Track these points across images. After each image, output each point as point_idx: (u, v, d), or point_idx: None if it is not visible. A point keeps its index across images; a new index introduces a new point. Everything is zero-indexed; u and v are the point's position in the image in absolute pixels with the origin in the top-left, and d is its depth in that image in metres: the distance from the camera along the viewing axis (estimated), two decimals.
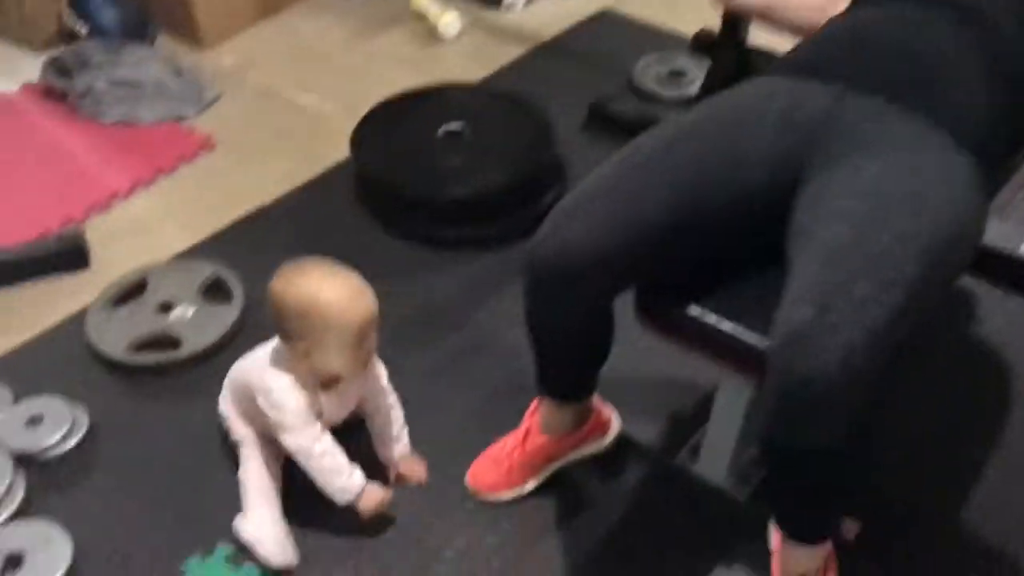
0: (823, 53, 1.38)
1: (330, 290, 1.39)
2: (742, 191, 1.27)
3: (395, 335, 1.93)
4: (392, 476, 1.62)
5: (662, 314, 1.36)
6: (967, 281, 1.86)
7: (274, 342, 1.51)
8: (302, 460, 1.48)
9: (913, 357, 1.50)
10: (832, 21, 1.45)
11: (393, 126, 2.31)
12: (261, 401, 1.46)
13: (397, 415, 1.62)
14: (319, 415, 1.49)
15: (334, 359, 1.42)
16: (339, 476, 1.48)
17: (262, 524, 1.52)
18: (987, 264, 1.40)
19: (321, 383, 1.48)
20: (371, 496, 1.51)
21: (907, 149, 1.23)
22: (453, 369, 1.87)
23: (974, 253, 1.27)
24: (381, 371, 1.61)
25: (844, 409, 1.09)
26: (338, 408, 1.54)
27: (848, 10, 1.46)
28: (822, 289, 1.08)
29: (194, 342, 1.88)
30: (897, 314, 1.08)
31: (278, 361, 1.47)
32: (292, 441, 1.46)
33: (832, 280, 1.08)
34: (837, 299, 1.06)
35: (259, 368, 1.50)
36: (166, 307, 1.96)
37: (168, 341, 1.90)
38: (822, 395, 1.05)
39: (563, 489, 1.64)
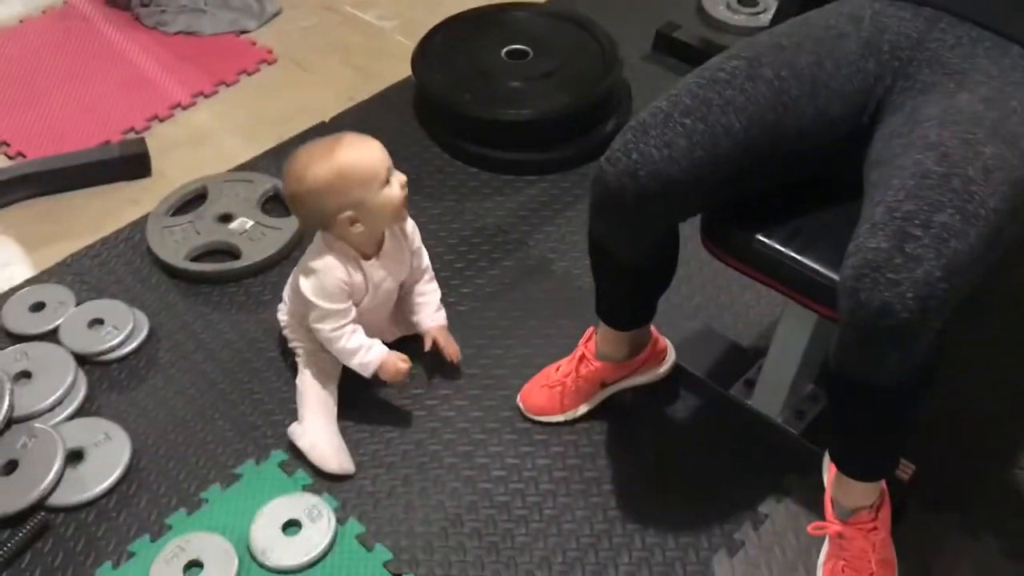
0: None
1: (338, 154, 1.42)
2: (822, 117, 1.23)
3: (452, 255, 1.93)
4: (427, 346, 1.66)
5: (730, 241, 1.33)
6: None
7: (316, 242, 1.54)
8: (327, 344, 1.55)
9: (977, 303, 1.46)
10: None
11: (455, 45, 2.27)
12: (302, 283, 1.50)
13: (434, 288, 1.70)
14: (366, 291, 1.54)
15: (379, 210, 1.46)
16: (358, 353, 1.54)
17: (317, 432, 1.55)
18: None
19: (362, 255, 1.52)
20: (388, 367, 1.56)
21: (999, 80, 1.17)
22: (508, 291, 1.87)
23: None
24: (423, 252, 1.67)
25: (918, 343, 1.05)
26: (383, 281, 1.57)
27: None
28: (903, 218, 1.04)
29: (253, 254, 1.89)
30: (977, 249, 1.04)
31: (318, 250, 1.52)
32: (321, 326, 1.52)
33: (913, 210, 1.04)
34: (917, 229, 1.02)
35: (305, 256, 1.54)
36: (226, 218, 1.97)
37: (227, 251, 1.92)
38: (897, 327, 1.02)
39: (615, 416, 1.64)
